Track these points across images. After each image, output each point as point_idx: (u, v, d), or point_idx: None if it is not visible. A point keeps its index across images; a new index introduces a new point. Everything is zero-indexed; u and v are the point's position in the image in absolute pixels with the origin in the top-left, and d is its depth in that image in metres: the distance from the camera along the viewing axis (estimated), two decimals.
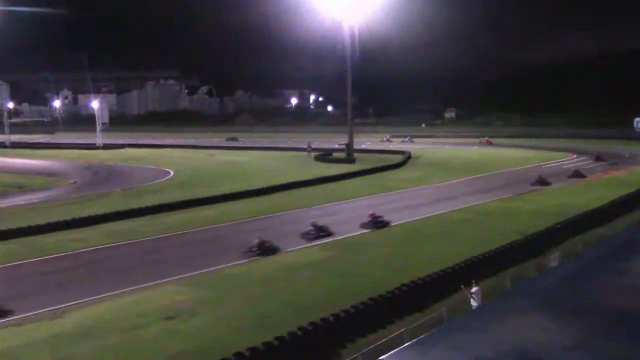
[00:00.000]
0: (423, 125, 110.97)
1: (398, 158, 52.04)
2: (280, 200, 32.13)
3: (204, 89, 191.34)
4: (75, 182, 43.45)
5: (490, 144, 71.81)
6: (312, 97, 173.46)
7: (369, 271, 17.73)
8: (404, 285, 14.79)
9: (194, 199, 31.30)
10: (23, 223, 24.88)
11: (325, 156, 56.47)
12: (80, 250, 21.65)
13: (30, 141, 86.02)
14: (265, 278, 17.68)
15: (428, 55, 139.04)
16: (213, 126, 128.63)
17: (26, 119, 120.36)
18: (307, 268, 18.48)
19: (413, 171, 44.10)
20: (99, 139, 76.49)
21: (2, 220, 26.69)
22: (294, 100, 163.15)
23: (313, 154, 59.22)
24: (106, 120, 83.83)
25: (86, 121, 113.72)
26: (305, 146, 64.94)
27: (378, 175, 42.30)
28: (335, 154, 57.31)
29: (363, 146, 65.13)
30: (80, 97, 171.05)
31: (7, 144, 79.53)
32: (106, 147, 74.43)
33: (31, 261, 20.16)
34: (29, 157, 63.38)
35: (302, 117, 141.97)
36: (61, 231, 24.60)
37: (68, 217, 26.18)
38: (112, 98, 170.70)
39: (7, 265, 19.63)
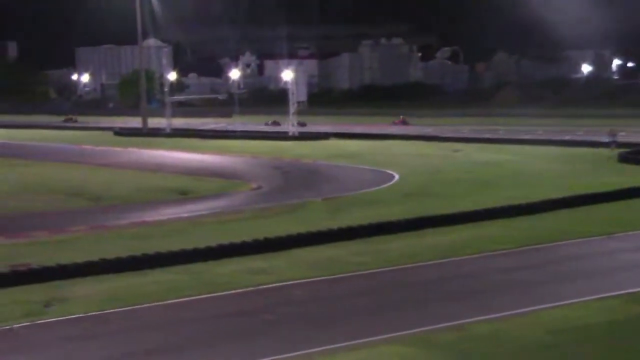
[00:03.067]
0: None
1: None
2: (557, 222, 32.31)
3: (445, 51, 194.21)
4: (258, 188, 47.80)
5: None
6: (616, 62, 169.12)
7: None
8: None
9: (428, 217, 32.57)
10: (186, 244, 28.22)
11: (637, 155, 54.48)
12: (262, 287, 23.82)
13: (198, 127, 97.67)
14: (529, 344, 17.80)
15: None
16: (459, 106, 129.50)
17: (193, 97, 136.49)
18: (608, 332, 18.31)
19: None
20: (292, 124, 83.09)
21: (158, 239, 30.59)
22: (585, 68, 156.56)
23: (617, 150, 58.33)
24: (303, 97, 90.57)
25: (275, 99, 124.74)
26: (606, 139, 63.77)
27: None
28: None
29: None
30: (268, 64, 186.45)
31: (167, 130, 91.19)
32: (303, 136, 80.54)
33: (197, 299, 22.93)
34: (196, 149, 71.62)
35: (599, 93, 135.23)
36: (237, 257, 27.38)
37: (247, 237, 28.97)
38: (313, 65, 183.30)
39: (166, 302, 22.53)
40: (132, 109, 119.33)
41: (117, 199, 43.69)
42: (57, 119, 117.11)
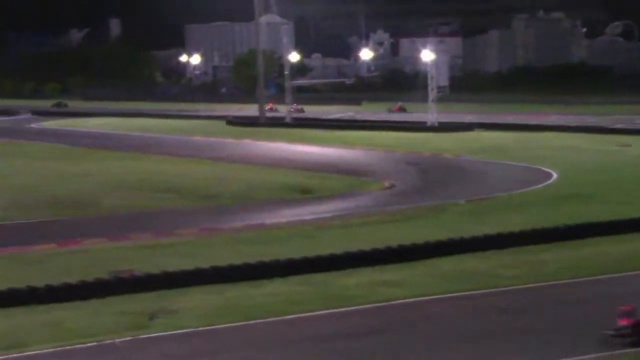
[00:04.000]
0: None
1: None
2: None
3: (615, 26, 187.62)
4: (391, 187, 47.75)
5: None
6: None
7: None
8: None
9: (591, 224, 32.02)
10: (308, 251, 28.60)
11: None
12: (395, 302, 23.90)
13: (322, 116, 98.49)
14: None
15: None
16: (631, 92, 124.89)
17: (317, 81, 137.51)
18: None
19: None
20: (432, 113, 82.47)
21: (276, 245, 31.20)
22: None
23: None
24: (444, 81, 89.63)
25: (411, 83, 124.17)
26: None
27: None
28: None
29: None
30: (403, 43, 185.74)
31: (287, 120, 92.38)
32: (443, 127, 79.80)
33: (320, 314, 23.14)
34: (319, 142, 72.15)
35: None
36: (367, 267, 27.53)
37: (377, 244, 29.09)
38: (456, 44, 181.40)
39: (284, 317, 22.79)
40: (248, 95, 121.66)
41: (230, 197, 44.53)
42: (164, 106, 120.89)
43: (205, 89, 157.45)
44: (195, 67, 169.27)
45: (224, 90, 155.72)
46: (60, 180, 48.63)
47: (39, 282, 24.65)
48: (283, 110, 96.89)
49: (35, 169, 54.09)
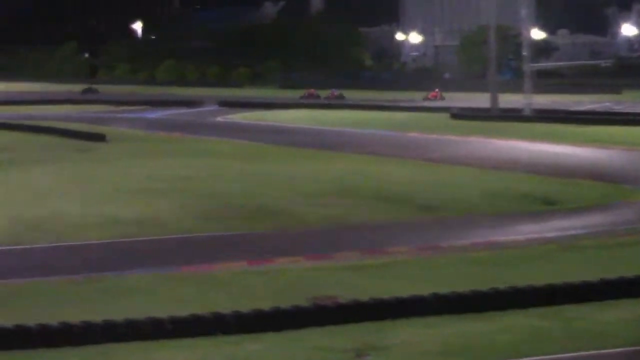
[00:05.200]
0: None
1: None
2: None
3: None
4: None
5: None
6: None
7: None
8: None
9: None
10: (554, 276, 28.13)
11: None
12: None
13: (570, 108, 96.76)
14: None
15: None
16: None
17: (563, 63, 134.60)
18: None
19: None
20: None
21: (512, 268, 31.17)
22: None
23: None
24: None
25: None
26: None
27: None
28: None
29: None
30: None
31: (526, 112, 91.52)
32: None
33: (566, 357, 22.51)
34: (566, 140, 71.44)
35: None
36: (627, 299, 26.78)
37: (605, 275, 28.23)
38: None
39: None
40: (476, 82, 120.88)
41: (453, 208, 44.54)
42: (373, 95, 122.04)
43: (424, 74, 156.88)
44: (412, 47, 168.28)
45: (446, 75, 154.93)
46: (249, 185, 50.21)
47: (226, 308, 25.33)
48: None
49: (221, 170, 55.94)
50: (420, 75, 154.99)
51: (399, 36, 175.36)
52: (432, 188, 49.55)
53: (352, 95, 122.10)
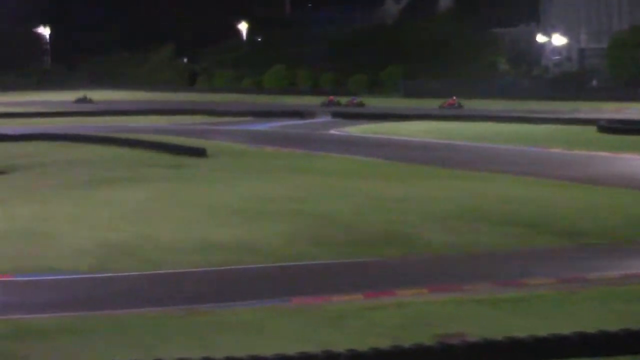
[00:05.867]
0: None
1: None
2: None
3: None
4: None
5: None
6: None
7: None
8: None
9: None
10: None
11: None
12: None
13: None
14: None
15: None
16: None
17: None
18: None
19: None
20: None
21: None
22: None
23: None
24: None
25: None
26: None
27: None
28: None
29: None
30: None
31: None
32: None
33: None
34: None
35: None
36: None
37: None
38: None
39: None
40: (630, 90, 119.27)
41: (602, 235, 43.70)
42: (509, 105, 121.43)
43: (567, 81, 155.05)
44: (552, 50, 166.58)
45: (594, 82, 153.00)
46: (368, 207, 50.35)
47: (339, 345, 25.29)
48: None
49: (333, 190, 56.30)
50: (563, 82, 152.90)
51: (540, 38, 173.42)
52: (575, 211, 48.93)
53: (483, 105, 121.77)
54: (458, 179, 62.18)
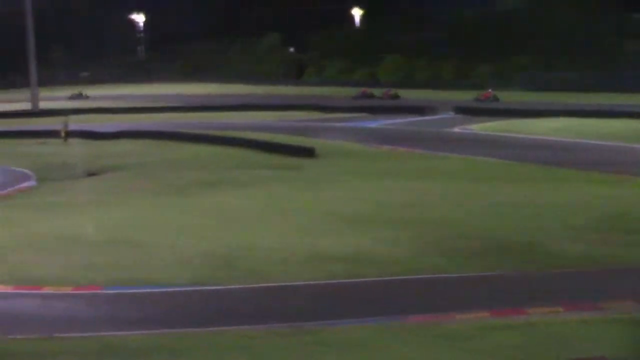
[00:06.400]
0: None
1: None
2: None
3: None
4: None
5: None
6: None
7: None
8: None
9: None
10: None
11: None
12: None
13: None
14: None
15: None
16: None
17: None
18: None
19: None
20: None
21: None
22: None
23: None
24: None
25: None
26: None
27: None
28: None
29: None
30: None
31: None
32: None
33: None
34: None
35: None
36: None
37: None
38: None
39: None
40: None
41: None
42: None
43: None
44: None
45: None
46: (488, 214, 50.30)
47: None
48: None
49: (455, 195, 56.28)
50: None
51: None
52: None
53: (628, 100, 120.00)
54: (592, 183, 61.08)
